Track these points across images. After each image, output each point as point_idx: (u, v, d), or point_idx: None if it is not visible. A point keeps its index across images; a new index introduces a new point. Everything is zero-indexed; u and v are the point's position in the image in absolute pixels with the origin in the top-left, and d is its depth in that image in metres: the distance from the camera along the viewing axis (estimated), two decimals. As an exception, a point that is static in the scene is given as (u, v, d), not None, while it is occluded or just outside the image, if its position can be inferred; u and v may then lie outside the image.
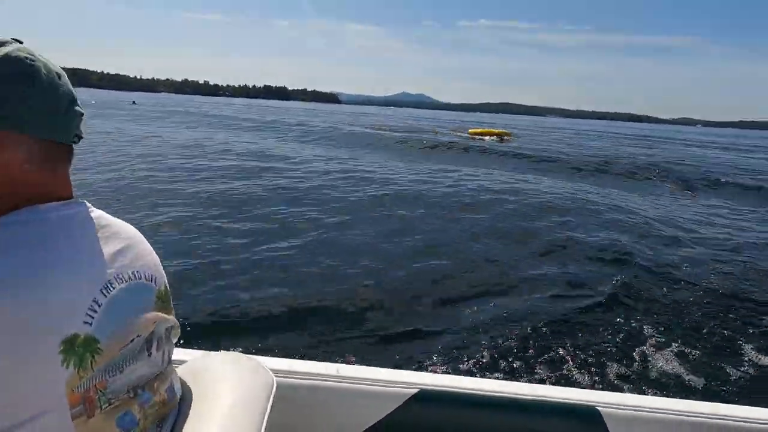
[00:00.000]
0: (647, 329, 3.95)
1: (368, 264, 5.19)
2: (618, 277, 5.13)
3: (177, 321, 0.89)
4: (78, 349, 0.65)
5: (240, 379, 0.93)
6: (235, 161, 12.45)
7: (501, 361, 3.41)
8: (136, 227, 0.87)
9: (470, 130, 33.61)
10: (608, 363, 3.43)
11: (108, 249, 0.76)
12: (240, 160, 12.84)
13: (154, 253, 0.87)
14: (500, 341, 3.68)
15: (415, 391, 1.23)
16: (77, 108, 0.75)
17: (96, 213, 0.79)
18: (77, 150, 0.78)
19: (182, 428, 0.83)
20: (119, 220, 0.84)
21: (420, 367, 3.27)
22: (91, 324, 0.67)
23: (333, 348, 3.46)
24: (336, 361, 1.36)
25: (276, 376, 1.01)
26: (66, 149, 0.75)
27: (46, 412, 0.63)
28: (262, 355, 1.20)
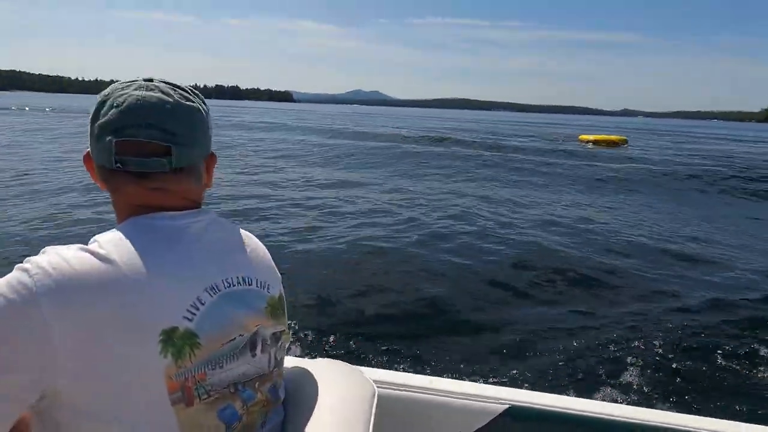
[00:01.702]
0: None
1: (466, 276, 5.22)
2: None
3: (287, 328, 0.92)
4: (177, 341, 0.71)
5: (345, 388, 0.96)
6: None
7: (600, 382, 3.21)
8: (260, 238, 0.95)
9: (581, 137, 30.90)
10: (729, 391, 3.09)
11: (221, 255, 0.83)
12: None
13: (272, 262, 0.93)
14: (600, 360, 3.48)
15: (507, 406, 1.21)
16: (120, 137, 0.77)
17: (218, 222, 0.87)
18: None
19: (290, 430, 0.87)
20: (245, 232, 0.91)
21: (512, 383, 3.13)
22: (191, 320, 0.73)
23: (425, 359, 3.51)
24: (428, 373, 1.37)
25: (376, 386, 1.04)
26: (129, 173, 0.79)
27: (147, 394, 0.70)
28: (360, 365, 1.20)
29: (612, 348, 3.66)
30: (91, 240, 0.75)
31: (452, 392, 1.25)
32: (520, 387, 1.38)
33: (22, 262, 0.70)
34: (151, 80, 0.83)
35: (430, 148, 21.38)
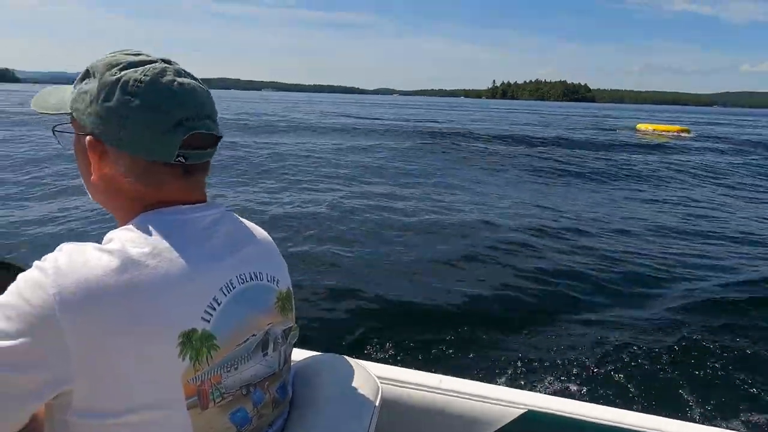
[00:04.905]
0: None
1: (482, 273, 5.00)
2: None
3: (296, 324, 0.90)
4: (195, 343, 0.69)
5: (348, 384, 0.94)
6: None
7: (623, 389, 3.03)
8: (267, 230, 0.92)
9: (639, 126, 30.24)
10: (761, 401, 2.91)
11: (233, 250, 0.79)
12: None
13: (281, 256, 0.91)
14: (626, 365, 3.26)
15: (523, 411, 1.14)
16: (192, 129, 0.73)
17: (228, 215, 0.83)
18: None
19: (291, 429, 0.85)
20: (250, 223, 0.89)
21: (528, 386, 2.99)
22: (209, 321, 0.71)
23: (435, 357, 3.36)
24: (437, 372, 1.29)
25: (380, 383, 1.00)
26: (177, 166, 0.75)
27: (163, 400, 0.67)
28: (365, 360, 1.14)
29: (641, 356, 3.39)
30: (107, 238, 0.71)
31: (463, 393, 1.18)
32: (538, 391, 1.33)
33: (40, 260, 0.67)
34: (170, 62, 0.78)
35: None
